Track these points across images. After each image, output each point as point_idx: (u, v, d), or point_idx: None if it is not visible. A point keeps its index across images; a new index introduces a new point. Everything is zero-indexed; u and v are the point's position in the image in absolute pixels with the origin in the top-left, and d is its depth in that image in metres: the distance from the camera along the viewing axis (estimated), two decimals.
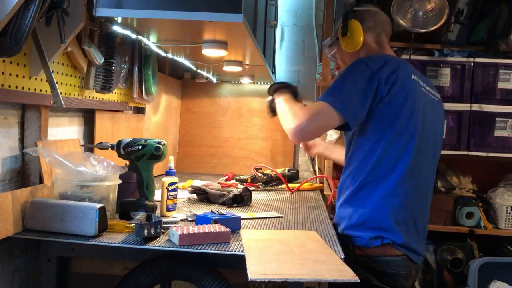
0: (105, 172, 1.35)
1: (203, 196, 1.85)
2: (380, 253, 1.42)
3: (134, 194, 1.53)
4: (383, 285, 1.42)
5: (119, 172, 1.41)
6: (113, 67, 1.73)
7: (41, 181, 1.40)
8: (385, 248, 1.41)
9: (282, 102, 1.60)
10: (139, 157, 1.43)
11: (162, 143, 1.44)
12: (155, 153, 1.42)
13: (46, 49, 1.25)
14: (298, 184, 2.31)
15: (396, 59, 1.53)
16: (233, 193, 1.76)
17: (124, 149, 1.44)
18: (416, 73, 1.55)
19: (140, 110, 2.33)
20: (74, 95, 1.58)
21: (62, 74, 1.50)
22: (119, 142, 1.45)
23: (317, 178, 2.64)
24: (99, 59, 1.58)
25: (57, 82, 1.40)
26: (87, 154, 1.43)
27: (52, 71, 1.27)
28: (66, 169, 1.31)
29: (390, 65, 1.44)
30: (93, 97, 1.72)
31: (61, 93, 1.42)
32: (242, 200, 1.78)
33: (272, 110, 1.71)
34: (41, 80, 1.38)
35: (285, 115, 1.52)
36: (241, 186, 2.19)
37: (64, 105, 1.31)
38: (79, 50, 1.52)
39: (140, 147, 1.42)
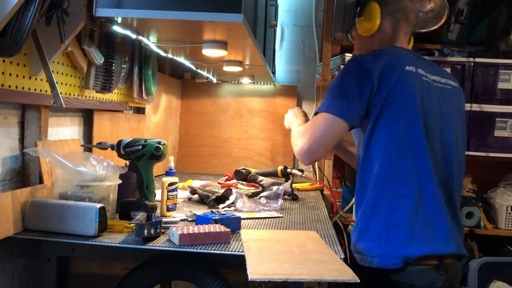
0: (105, 172, 1.35)
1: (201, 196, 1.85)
2: None
3: (134, 194, 1.53)
4: None
5: (119, 172, 1.41)
6: (113, 67, 1.72)
7: (41, 181, 1.40)
8: None
9: (293, 127, 1.61)
10: (139, 157, 1.43)
11: (162, 143, 1.44)
12: (155, 153, 1.42)
13: (46, 49, 1.25)
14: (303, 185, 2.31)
15: (386, 52, 1.44)
16: (215, 195, 1.76)
17: (124, 149, 1.44)
18: (416, 62, 1.44)
19: (140, 110, 2.33)
20: (74, 95, 1.58)
21: (62, 74, 1.50)
22: (119, 142, 1.45)
23: (317, 177, 2.64)
24: (99, 59, 1.58)
25: (57, 82, 1.39)
26: (87, 154, 1.43)
27: (52, 71, 1.26)
28: (66, 169, 1.31)
29: (379, 61, 1.37)
30: (93, 97, 1.72)
31: (61, 93, 1.41)
32: (227, 201, 1.77)
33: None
34: (41, 80, 1.37)
35: (292, 139, 1.50)
36: (242, 187, 2.20)
37: (64, 105, 1.31)
38: (79, 50, 1.52)
39: (140, 147, 1.42)
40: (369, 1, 1.54)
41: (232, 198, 1.73)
